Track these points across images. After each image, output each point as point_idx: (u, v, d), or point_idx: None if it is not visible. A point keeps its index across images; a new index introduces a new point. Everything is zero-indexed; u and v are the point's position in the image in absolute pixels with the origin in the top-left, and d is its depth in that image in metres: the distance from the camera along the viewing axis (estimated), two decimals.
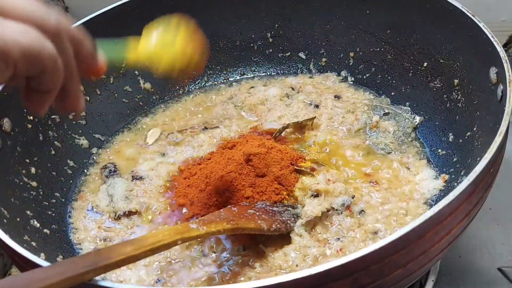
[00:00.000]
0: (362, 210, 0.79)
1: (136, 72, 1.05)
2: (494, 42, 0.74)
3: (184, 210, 0.83)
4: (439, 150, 0.88)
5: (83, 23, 0.95)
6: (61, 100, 0.48)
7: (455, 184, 0.79)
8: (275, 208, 0.78)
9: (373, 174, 0.86)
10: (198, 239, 0.76)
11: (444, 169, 0.84)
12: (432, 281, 0.81)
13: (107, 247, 0.57)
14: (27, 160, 0.83)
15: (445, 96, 0.90)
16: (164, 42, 0.65)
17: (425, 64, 0.94)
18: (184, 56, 0.66)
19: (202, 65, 0.70)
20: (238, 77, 1.12)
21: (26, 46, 0.40)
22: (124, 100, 1.04)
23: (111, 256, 0.54)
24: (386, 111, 0.97)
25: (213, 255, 0.76)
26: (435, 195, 0.81)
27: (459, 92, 0.86)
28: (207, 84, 1.10)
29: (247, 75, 1.12)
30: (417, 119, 0.94)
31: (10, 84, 0.43)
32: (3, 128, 0.79)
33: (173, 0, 1.04)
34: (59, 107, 0.49)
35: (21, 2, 0.41)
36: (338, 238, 0.75)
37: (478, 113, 0.80)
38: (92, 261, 0.52)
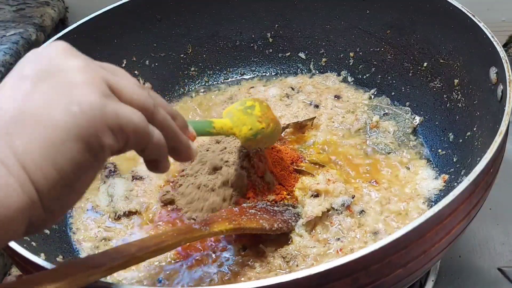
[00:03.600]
0: (362, 210, 0.79)
1: (136, 72, 1.05)
2: (494, 42, 0.74)
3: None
4: (439, 150, 0.88)
5: (83, 23, 0.95)
6: (176, 156, 0.58)
7: (455, 184, 0.79)
8: (276, 208, 0.78)
9: (373, 174, 0.86)
10: (199, 239, 0.76)
11: (444, 169, 0.84)
12: (432, 281, 0.81)
13: (112, 249, 0.57)
14: None
15: (445, 96, 0.90)
16: (242, 116, 0.75)
17: (425, 64, 0.95)
18: (260, 128, 0.75)
19: (276, 138, 0.81)
20: (238, 77, 1.12)
21: (137, 125, 0.49)
22: None
23: (116, 257, 0.54)
24: (386, 111, 0.97)
25: (213, 255, 0.76)
26: (435, 195, 0.81)
27: (459, 92, 0.86)
28: (207, 84, 1.10)
29: (247, 75, 1.12)
30: (417, 119, 0.94)
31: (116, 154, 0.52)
32: None
33: (173, 0, 1.05)
34: (176, 160, 0.59)
35: (130, 89, 0.50)
36: (338, 238, 0.75)
37: (478, 113, 0.80)
38: (97, 263, 0.52)
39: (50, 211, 0.46)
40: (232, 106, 0.77)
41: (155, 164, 0.56)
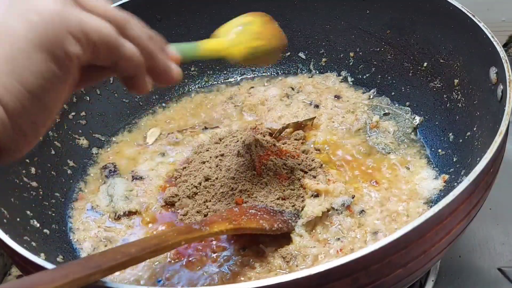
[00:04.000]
0: (362, 210, 0.79)
1: None
2: (494, 42, 0.74)
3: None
4: (439, 150, 0.88)
5: None
6: (155, 77, 0.56)
7: (455, 184, 0.79)
8: (276, 208, 0.78)
9: (373, 174, 0.86)
10: (199, 239, 0.76)
11: (444, 169, 0.84)
12: (432, 281, 0.81)
13: (112, 249, 0.57)
14: (27, 160, 0.83)
15: (445, 96, 0.90)
16: (238, 34, 0.69)
17: (425, 64, 0.95)
18: (259, 45, 0.69)
19: (278, 54, 0.73)
20: (238, 77, 1.11)
21: (103, 32, 0.47)
22: (124, 100, 1.04)
23: (116, 257, 0.54)
24: (386, 111, 0.97)
25: (213, 255, 0.76)
26: (435, 195, 0.81)
27: (459, 92, 0.86)
28: (207, 84, 1.10)
29: (247, 75, 1.12)
30: (417, 119, 0.94)
31: (102, 78, 0.52)
32: None
33: (173, 0, 1.05)
34: (157, 83, 0.57)
35: (98, 1, 0.49)
36: (338, 238, 0.75)
37: (478, 113, 0.80)
38: (97, 263, 0.52)
39: (21, 131, 0.45)
40: (228, 24, 0.71)
41: (132, 82, 0.54)
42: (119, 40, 0.49)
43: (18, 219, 0.73)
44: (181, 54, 0.60)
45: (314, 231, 0.77)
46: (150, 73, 0.55)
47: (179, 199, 0.83)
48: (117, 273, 0.74)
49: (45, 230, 0.78)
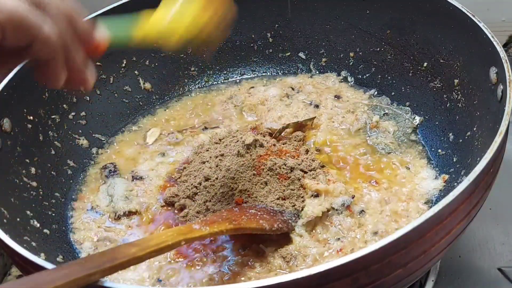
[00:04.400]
0: (362, 210, 0.79)
1: (136, 72, 1.05)
2: (494, 42, 0.74)
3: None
4: (439, 150, 0.88)
5: None
6: (69, 76, 0.51)
7: (455, 184, 0.79)
8: (276, 208, 0.78)
9: (373, 174, 0.86)
10: (199, 239, 0.76)
11: (444, 169, 0.84)
12: (432, 281, 0.81)
13: (112, 249, 0.57)
14: (27, 160, 0.83)
15: (445, 96, 0.90)
16: (177, 12, 0.61)
17: (425, 64, 0.95)
18: (197, 27, 0.62)
19: (217, 40, 0.66)
20: (238, 77, 1.12)
21: (12, 11, 0.43)
22: (124, 100, 1.04)
23: (116, 257, 0.54)
24: (386, 111, 0.97)
25: (213, 255, 0.76)
26: (435, 195, 0.81)
27: (459, 92, 0.86)
28: (207, 84, 1.11)
29: (247, 75, 1.12)
30: (417, 119, 0.94)
31: (12, 62, 0.48)
32: (3, 128, 0.79)
33: None
34: (68, 83, 0.52)
35: None
36: (338, 238, 0.75)
37: (478, 113, 0.80)
38: (97, 263, 0.52)
39: None
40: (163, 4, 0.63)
41: (45, 70, 0.49)
42: (33, 20, 0.45)
43: (18, 219, 0.73)
44: (112, 37, 0.55)
45: (314, 231, 0.77)
46: (66, 65, 0.51)
47: (179, 199, 0.83)
48: (117, 273, 0.74)
49: (45, 230, 0.78)
